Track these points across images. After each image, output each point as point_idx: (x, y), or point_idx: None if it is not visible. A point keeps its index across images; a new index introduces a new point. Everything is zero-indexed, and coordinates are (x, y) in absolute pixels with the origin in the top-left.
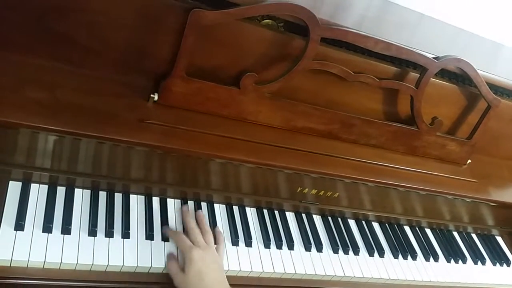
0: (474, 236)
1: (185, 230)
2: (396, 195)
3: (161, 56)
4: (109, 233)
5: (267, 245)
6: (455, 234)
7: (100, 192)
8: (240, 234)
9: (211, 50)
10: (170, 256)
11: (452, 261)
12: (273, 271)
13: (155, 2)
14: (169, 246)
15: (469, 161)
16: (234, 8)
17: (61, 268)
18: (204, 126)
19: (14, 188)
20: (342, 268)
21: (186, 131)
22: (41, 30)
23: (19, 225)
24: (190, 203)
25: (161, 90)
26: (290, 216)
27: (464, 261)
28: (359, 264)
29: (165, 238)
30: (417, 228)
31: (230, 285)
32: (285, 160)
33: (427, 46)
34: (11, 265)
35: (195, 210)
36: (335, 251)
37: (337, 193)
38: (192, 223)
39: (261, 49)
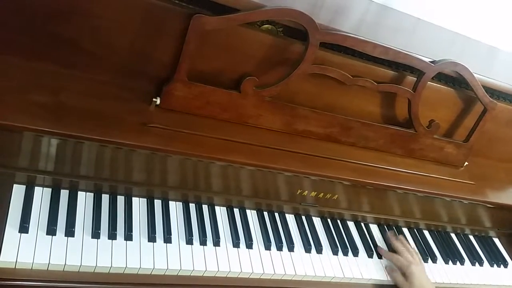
0: (471, 237)
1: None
2: (394, 197)
3: (163, 60)
4: (112, 235)
5: (267, 247)
6: (453, 235)
7: (103, 195)
8: (241, 236)
9: (212, 55)
10: (391, 270)
11: (450, 262)
12: (273, 273)
13: (158, 8)
14: (172, 248)
15: (466, 163)
16: (235, 14)
17: (65, 270)
18: (205, 129)
19: (18, 191)
20: (342, 269)
21: (188, 134)
22: (45, 34)
23: (24, 228)
24: (192, 206)
25: (163, 94)
26: (290, 218)
27: (462, 262)
28: (358, 266)
29: (167, 240)
30: (415, 230)
31: (232, 287)
32: (285, 162)
33: (424, 50)
34: (16, 267)
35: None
36: (335, 252)
37: (336, 195)
38: (401, 246)
39: (261, 54)
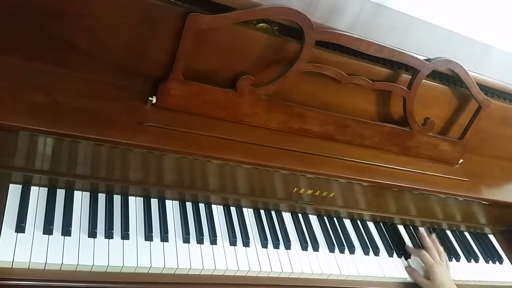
0: (467, 234)
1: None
2: (390, 195)
3: (159, 59)
4: (108, 235)
5: (264, 245)
6: (449, 232)
7: (99, 194)
8: (238, 234)
9: (208, 53)
10: (412, 270)
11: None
12: (270, 270)
13: (153, 7)
14: (169, 246)
15: (461, 160)
16: (230, 12)
17: (62, 269)
18: (201, 128)
19: (14, 191)
20: (338, 266)
21: (184, 133)
22: (41, 34)
23: (20, 227)
24: (188, 205)
25: (159, 93)
26: (287, 216)
27: (458, 259)
28: (355, 263)
29: (164, 239)
30: (411, 227)
31: (229, 285)
32: (281, 160)
33: (419, 48)
34: (13, 266)
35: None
36: (331, 250)
37: (332, 193)
38: (430, 244)
39: (256, 52)
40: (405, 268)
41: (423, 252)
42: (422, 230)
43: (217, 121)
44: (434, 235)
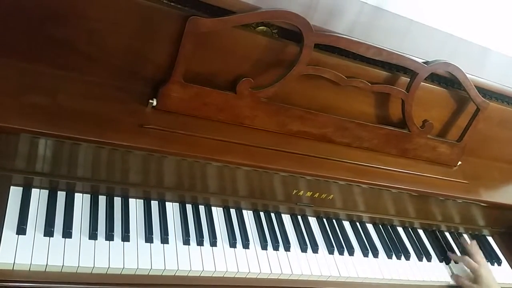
0: (465, 236)
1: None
2: (389, 197)
3: (159, 62)
4: (109, 237)
5: (264, 247)
6: (447, 234)
7: (100, 196)
8: (237, 236)
9: (208, 56)
10: (457, 277)
11: (445, 261)
12: (270, 272)
13: (154, 10)
14: (169, 248)
15: (459, 162)
16: (230, 16)
17: (62, 271)
18: (201, 130)
19: (15, 193)
20: (338, 268)
21: (184, 135)
22: (42, 37)
23: (21, 229)
24: (188, 207)
25: (160, 96)
26: (286, 218)
27: (457, 261)
28: (354, 265)
29: (164, 240)
30: (410, 229)
31: (229, 286)
32: (281, 163)
33: (417, 51)
34: (14, 268)
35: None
36: (331, 252)
37: (332, 195)
38: (474, 250)
39: (256, 55)
40: (452, 275)
41: (467, 258)
42: (465, 236)
43: (217, 124)
44: (475, 241)
